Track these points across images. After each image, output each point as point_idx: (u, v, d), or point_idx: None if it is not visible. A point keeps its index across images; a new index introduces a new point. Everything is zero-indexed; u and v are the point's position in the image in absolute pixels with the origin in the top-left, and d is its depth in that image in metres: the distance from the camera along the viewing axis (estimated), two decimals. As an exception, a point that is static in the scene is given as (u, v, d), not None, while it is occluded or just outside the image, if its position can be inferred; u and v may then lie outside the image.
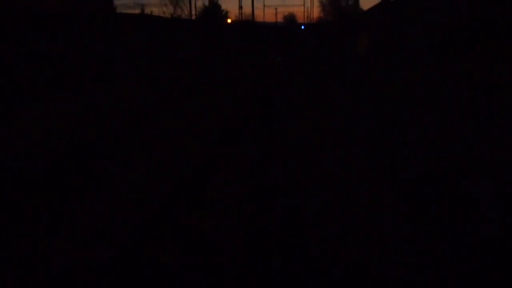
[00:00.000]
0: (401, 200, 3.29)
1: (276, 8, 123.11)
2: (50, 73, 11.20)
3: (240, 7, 66.06)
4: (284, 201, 3.34)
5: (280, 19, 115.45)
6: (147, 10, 74.20)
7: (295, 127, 6.06)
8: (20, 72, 10.52)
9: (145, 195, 3.42)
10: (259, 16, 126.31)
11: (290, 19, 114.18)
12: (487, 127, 5.71)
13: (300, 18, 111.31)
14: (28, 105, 7.79)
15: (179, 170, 4.09)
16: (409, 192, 3.47)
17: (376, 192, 3.50)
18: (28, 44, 11.43)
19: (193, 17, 53.09)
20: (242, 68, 15.36)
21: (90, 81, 11.13)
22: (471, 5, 10.85)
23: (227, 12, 78.62)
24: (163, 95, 9.08)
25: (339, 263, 2.30)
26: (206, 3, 73.53)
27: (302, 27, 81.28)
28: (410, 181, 3.76)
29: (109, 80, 11.64)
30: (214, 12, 71.70)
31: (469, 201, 3.24)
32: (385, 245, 2.51)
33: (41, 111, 7.35)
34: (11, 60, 10.62)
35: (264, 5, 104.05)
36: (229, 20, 71.15)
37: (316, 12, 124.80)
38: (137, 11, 77.11)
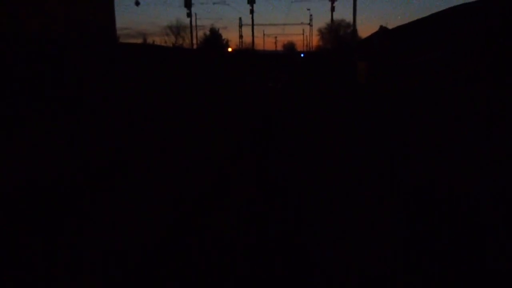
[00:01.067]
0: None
1: (275, 37, 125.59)
2: (52, 102, 11.26)
3: (241, 36, 67.14)
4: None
5: (279, 47, 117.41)
6: (149, 40, 75.73)
7: (297, 159, 5.99)
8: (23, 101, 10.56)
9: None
10: (259, 44, 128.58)
11: (290, 47, 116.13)
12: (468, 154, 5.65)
13: (299, 46, 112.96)
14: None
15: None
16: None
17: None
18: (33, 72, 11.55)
19: (195, 46, 54.02)
20: (243, 96, 15.44)
21: (92, 108, 11.18)
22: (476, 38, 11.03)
23: (228, 41, 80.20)
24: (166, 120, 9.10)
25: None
26: (207, 33, 75.09)
27: (302, 55, 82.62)
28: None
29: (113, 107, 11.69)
30: (215, 41, 73.11)
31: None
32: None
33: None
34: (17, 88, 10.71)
35: (264, 34, 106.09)
36: (230, 49, 72.45)
37: (315, 41, 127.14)
38: (139, 40, 78.65)
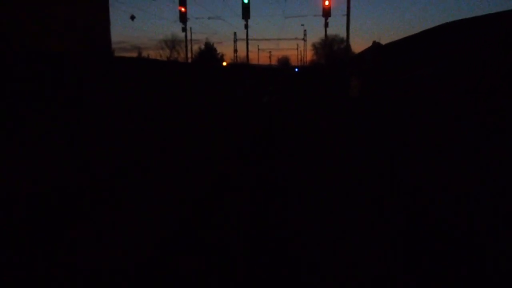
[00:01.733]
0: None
1: (270, 52, 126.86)
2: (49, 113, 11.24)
3: (235, 51, 67.73)
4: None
5: (274, 61, 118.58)
6: (144, 53, 76.17)
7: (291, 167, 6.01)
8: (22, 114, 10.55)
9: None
10: (254, 59, 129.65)
11: (284, 61, 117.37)
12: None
13: (293, 61, 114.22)
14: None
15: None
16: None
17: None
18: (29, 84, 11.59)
19: (190, 60, 54.39)
20: (238, 109, 15.50)
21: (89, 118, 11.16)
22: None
23: (222, 55, 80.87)
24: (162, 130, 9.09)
25: None
26: (202, 47, 75.73)
27: (296, 69, 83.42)
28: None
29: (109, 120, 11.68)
30: (210, 55, 73.67)
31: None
32: None
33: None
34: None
35: (258, 49, 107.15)
36: (224, 63, 72.99)
37: (309, 55, 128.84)
38: (134, 54, 79.09)
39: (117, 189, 4.95)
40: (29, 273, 2.82)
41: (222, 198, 4.63)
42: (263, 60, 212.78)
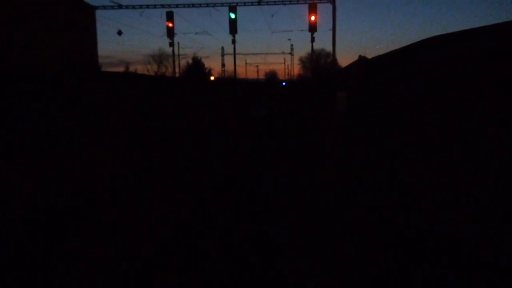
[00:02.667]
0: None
1: (257, 66, 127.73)
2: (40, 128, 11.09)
3: (223, 65, 67.97)
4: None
5: (261, 75, 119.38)
6: (132, 68, 76.10)
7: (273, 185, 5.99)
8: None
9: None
10: (242, 73, 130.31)
11: (271, 75, 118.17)
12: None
13: (281, 74, 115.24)
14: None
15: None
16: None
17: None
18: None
19: (177, 75, 54.41)
20: (224, 125, 15.49)
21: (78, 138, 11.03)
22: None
23: (210, 69, 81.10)
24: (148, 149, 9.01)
25: None
26: (190, 61, 75.85)
27: (283, 83, 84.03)
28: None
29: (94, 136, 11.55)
30: (197, 69, 73.81)
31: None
32: None
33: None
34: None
35: (246, 63, 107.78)
36: (212, 78, 73.20)
37: (296, 69, 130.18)
38: (122, 68, 78.90)
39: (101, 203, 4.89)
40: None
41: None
42: (251, 74, 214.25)
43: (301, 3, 28.23)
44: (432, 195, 5.19)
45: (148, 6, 30.08)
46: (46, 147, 9.38)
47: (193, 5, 30.08)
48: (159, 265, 3.26)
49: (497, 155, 7.08)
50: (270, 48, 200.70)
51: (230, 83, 49.23)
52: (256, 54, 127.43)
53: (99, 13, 32.35)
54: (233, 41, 30.97)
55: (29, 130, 11.17)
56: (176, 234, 3.95)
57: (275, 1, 28.74)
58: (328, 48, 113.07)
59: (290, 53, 75.05)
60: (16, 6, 23.96)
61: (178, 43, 60.89)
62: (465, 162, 7.00)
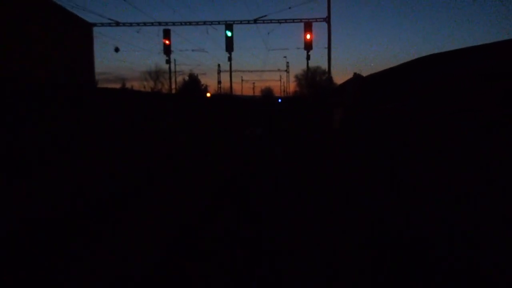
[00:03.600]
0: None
1: (253, 83, 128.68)
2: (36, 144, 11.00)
3: (219, 82, 68.42)
4: None
5: (257, 92, 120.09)
6: (128, 84, 76.37)
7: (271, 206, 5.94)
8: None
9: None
10: (238, 89, 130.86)
11: (267, 92, 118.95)
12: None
13: (277, 91, 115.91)
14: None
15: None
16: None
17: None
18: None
19: (174, 91, 54.66)
20: (220, 143, 15.47)
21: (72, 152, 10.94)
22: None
23: (206, 86, 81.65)
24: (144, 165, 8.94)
25: None
26: (186, 78, 76.35)
27: (279, 100, 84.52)
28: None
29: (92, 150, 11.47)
30: (194, 86, 74.24)
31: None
32: None
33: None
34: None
35: (242, 80, 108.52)
36: (208, 94, 73.57)
37: (292, 86, 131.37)
38: (118, 85, 79.15)
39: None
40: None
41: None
42: (247, 91, 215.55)
43: (296, 22, 28.61)
44: (422, 208, 5.16)
45: (145, 24, 30.37)
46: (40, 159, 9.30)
47: (190, 23, 30.39)
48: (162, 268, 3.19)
49: (490, 174, 7.08)
50: (266, 65, 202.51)
51: (226, 99, 49.45)
52: (252, 71, 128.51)
53: (96, 30, 32.61)
54: (229, 59, 31.22)
55: (27, 139, 11.08)
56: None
57: (271, 20, 29.13)
58: (324, 65, 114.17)
59: (286, 70, 75.55)
60: (14, 22, 24.12)
61: (175, 60, 61.39)
62: (458, 180, 6.99)
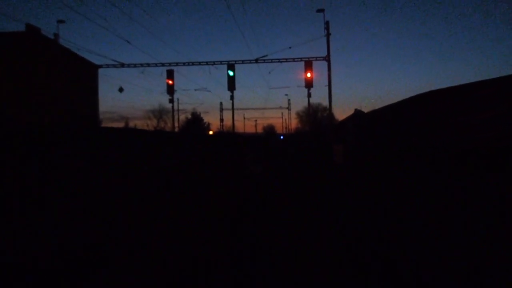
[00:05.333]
0: None
1: (255, 120, 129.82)
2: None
3: (221, 120, 69.12)
4: None
5: (260, 129, 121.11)
6: (131, 123, 77.27)
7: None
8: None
9: None
10: (240, 127, 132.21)
11: (269, 129, 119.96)
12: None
13: (279, 128, 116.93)
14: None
15: None
16: None
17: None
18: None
19: (176, 129, 55.16)
20: (222, 180, 15.48)
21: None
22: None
23: (209, 124, 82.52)
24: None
25: None
26: (189, 116, 77.32)
27: (281, 137, 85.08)
28: None
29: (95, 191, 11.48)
30: (196, 124, 75.07)
31: None
32: None
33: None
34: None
35: (244, 118, 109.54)
36: (211, 132, 74.18)
37: (294, 123, 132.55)
38: (121, 124, 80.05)
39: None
40: None
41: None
42: (249, 128, 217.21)
43: (297, 61, 29.27)
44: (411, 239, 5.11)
45: (149, 65, 31.10)
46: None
47: (193, 63, 31.13)
48: None
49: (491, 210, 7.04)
50: (268, 103, 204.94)
51: (228, 137, 49.80)
52: (254, 109, 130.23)
53: (101, 71, 33.42)
54: (232, 97, 31.78)
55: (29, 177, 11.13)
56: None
57: (271, 59, 29.82)
58: (325, 101, 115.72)
59: (287, 108, 76.40)
60: (25, 64, 24.85)
61: (178, 99, 62.41)
62: (455, 215, 6.95)
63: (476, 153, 9.86)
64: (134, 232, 6.65)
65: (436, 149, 11.72)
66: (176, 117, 57.09)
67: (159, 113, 73.15)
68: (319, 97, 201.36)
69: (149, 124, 72.01)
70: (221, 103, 69.24)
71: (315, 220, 7.45)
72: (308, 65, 27.49)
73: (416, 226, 6.50)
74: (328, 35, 26.74)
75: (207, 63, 30.77)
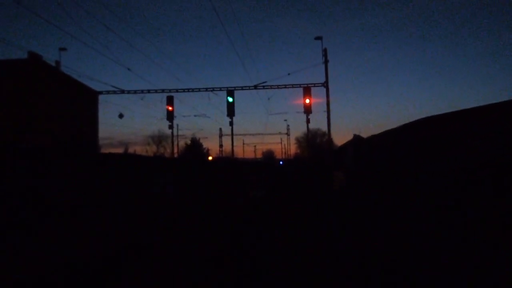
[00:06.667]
0: None
1: (255, 146, 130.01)
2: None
3: (221, 146, 69.15)
4: None
5: (259, 155, 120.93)
6: (131, 149, 77.22)
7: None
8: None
9: None
10: (239, 152, 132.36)
11: (269, 155, 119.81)
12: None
13: (278, 153, 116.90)
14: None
15: None
16: None
17: None
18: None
19: (176, 155, 55.11)
20: (223, 207, 15.34)
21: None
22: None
23: (208, 149, 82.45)
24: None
25: None
26: (189, 142, 77.37)
27: (281, 162, 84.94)
28: None
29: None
30: (196, 150, 75.03)
31: None
32: None
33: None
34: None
35: (243, 143, 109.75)
36: (210, 157, 74.08)
37: (293, 148, 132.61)
38: (121, 149, 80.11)
39: None
40: None
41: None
42: (248, 153, 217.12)
43: (296, 87, 29.53)
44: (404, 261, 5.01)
45: (149, 91, 31.34)
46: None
47: (193, 90, 31.39)
48: None
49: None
50: (267, 129, 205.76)
51: (227, 163, 49.72)
52: (253, 134, 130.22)
53: (102, 97, 33.65)
54: (231, 123, 31.85)
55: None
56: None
57: (270, 86, 30.09)
58: (324, 127, 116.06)
59: (286, 133, 76.65)
60: (25, 88, 25.11)
61: (178, 124, 62.58)
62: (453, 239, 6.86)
63: (473, 178, 9.82)
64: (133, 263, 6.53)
65: (433, 175, 11.68)
66: (175, 143, 57.23)
67: (159, 139, 73.26)
68: (318, 122, 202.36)
69: (149, 150, 71.97)
70: (220, 129, 69.40)
71: (316, 248, 7.35)
72: (307, 91, 27.70)
73: (420, 257, 6.41)
74: (326, 62, 27.09)
75: (206, 89, 31.03)
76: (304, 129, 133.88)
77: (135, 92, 31.39)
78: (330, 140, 33.91)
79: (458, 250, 6.39)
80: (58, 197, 13.34)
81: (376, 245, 7.16)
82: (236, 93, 28.94)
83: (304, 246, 7.58)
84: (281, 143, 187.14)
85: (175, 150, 56.31)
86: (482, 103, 9.84)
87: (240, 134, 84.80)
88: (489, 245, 6.52)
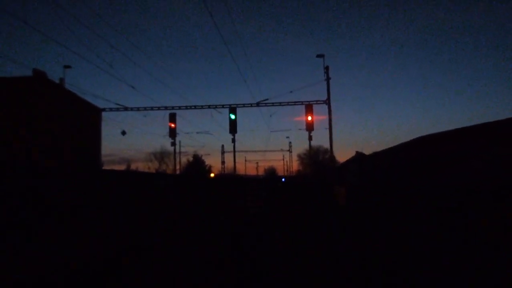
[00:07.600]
0: None
1: (257, 162, 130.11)
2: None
3: (223, 162, 69.13)
4: None
5: (261, 171, 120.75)
6: (133, 166, 77.30)
7: None
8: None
9: None
10: (241, 169, 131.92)
11: (271, 172, 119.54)
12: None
13: (280, 170, 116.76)
14: None
15: None
16: None
17: None
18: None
19: (178, 172, 55.11)
20: (224, 224, 15.30)
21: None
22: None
23: (210, 166, 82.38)
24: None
25: None
26: (191, 159, 77.45)
27: (283, 179, 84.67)
28: None
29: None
30: (198, 166, 75.02)
31: None
32: None
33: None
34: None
35: (245, 160, 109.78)
36: (212, 174, 74.04)
37: (295, 165, 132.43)
38: (123, 166, 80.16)
39: None
40: None
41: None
42: (250, 170, 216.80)
43: (298, 104, 29.71)
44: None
45: (152, 108, 31.59)
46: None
47: (195, 107, 31.60)
48: None
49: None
50: (269, 146, 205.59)
51: (230, 179, 49.65)
52: (255, 151, 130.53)
53: (105, 114, 33.89)
54: (233, 140, 31.99)
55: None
56: None
57: (273, 103, 30.29)
58: (326, 143, 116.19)
59: (288, 150, 76.68)
60: (30, 105, 25.37)
61: (180, 141, 62.79)
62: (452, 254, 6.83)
63: (473, 195, 9.81)
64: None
65: (433, 191, 11.68)
66: (178, 159, 57.32)
67: (161, 156, 73.31)
68: (320, 139, 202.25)
69: (151, 167, 71.96)
70: (222, 146, 69.49)
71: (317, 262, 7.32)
72: (309, 109, 27.85)
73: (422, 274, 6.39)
74: (328, 79, 27.34)
75: (209, 107, 31.23)
76: (306, 146, 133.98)
77: (138, 109, 31.64)
78: (332, 157, 33.93)
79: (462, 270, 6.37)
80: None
81: (380, 255, 7.13)
82: (238, 110, 29.16)
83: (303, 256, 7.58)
84: (283, 159, 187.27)
85: (177, 167, 56.31)
86: (482, 121, 9.88)
87: (242, 151, 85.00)
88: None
